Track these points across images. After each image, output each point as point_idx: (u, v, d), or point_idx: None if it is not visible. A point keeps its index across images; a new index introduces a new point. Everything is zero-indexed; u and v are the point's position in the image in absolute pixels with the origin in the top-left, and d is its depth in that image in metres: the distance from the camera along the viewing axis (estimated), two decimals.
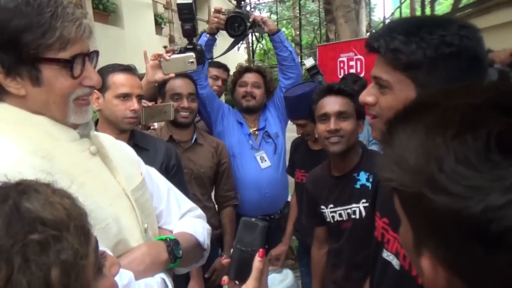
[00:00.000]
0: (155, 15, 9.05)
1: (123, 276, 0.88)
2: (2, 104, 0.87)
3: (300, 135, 2.30)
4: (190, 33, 2.12)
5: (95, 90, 1.57)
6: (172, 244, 1.04)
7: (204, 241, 1.18)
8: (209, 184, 2.29)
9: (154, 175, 1.21)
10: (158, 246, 1.03)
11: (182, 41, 10.41)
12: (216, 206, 2.40)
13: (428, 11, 8.09)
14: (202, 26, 12.26)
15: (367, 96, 0.92)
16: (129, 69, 1.75)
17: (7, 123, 0.87)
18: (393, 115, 0.49)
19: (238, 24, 2.20)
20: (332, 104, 1.65)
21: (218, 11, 2.28)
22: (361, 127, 1.70)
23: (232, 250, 0.97)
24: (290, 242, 2.92)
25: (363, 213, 1.62)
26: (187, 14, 2.10)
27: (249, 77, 2.50)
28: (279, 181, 2.49)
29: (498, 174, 0.36)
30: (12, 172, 0.75)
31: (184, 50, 1.99)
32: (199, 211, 1.26)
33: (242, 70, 2.55)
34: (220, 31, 2.30)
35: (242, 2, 2.28)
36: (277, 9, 18.51)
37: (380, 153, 0.44)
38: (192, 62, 1.86)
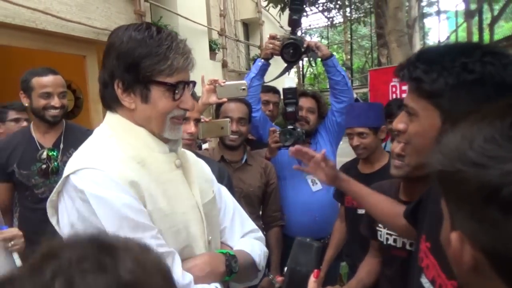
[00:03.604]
0: (209, 41, 9.41)
1: (185, 277, 0.99)
2: (115, 114, 1.08)
3: (353, 146, 2.14)
4: (292, 116, 2.32)
5: None
6: (231, 259, 1.13)
7: (260, 262, 1.25)
8: (258, 203, 2.33)
9: (224, 194, 1.32)
10: (218, 258, 1.12)
11: (233, 66, 10.73)
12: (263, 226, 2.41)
13: (486, 35, 7.76)
14: (254, 52, 12.60)
15: (399, 123, 0.97)
16: None
17: (116, 130, 1.06)
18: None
19: (293, 50, 2.29)
20: None
21: (273, 37, 2.37)
22: None
23: (286, 269, 0.98)
24: (340, 269, 2.85)
25: None
26: (291, 99, 2.32)
27: (304, 102, 2.53)
28: (330, 204, 2.46)
29: None
30: (115, 170, 0.95)
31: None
32: (260, 234, 1.34)
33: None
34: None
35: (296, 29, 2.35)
36: (328, 33, 18.62)
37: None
38: (244, 89, 1.93)
